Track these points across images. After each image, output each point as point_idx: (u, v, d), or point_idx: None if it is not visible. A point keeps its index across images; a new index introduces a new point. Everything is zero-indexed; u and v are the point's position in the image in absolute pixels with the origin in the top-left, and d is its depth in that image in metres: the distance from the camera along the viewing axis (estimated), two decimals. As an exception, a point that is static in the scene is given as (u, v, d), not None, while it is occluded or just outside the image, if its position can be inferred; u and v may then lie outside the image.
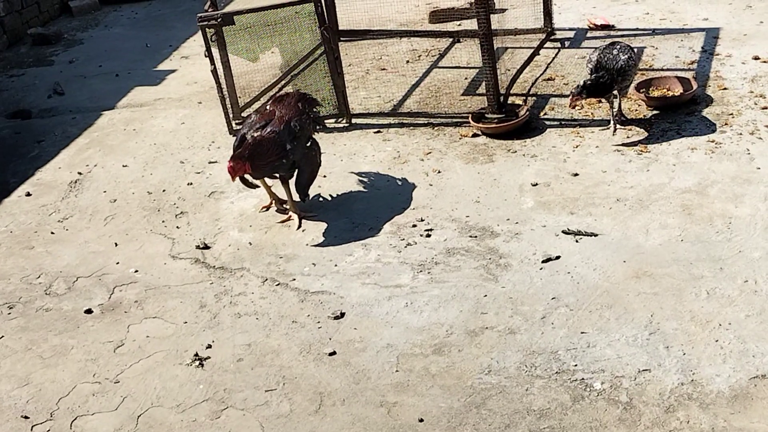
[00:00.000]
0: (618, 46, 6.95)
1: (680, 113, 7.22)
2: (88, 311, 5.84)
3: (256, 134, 6.27)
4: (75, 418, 4.98)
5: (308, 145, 6.50)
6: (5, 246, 6.69)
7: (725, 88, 7.51)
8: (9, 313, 5.92)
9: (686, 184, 6.33)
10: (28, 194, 7.35)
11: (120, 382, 5.20)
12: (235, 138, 6.53)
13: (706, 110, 7.22)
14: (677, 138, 6.89)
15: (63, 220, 6.93)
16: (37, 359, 5.48)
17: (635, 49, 7.11)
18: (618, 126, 7.02)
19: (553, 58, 8.48)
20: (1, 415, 5.07)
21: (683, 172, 6.47)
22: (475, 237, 6.05)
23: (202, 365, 5.25)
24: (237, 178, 6.33)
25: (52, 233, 6.78)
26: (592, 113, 7.42)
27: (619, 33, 8.82)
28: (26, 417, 5.03)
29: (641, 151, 6.74)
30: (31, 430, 4.94)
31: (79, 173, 7.58)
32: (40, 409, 5.07)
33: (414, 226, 6.26)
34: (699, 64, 8.00)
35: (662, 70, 7.94)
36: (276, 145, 6.19)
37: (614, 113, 7.02)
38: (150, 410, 4.97)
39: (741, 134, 6.83)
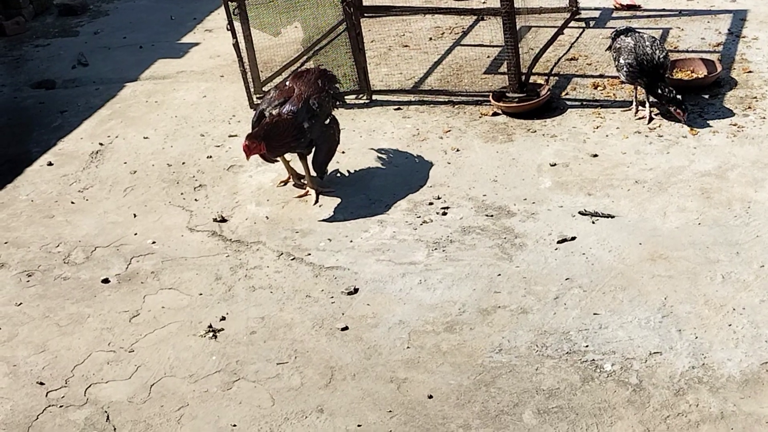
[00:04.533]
0: (647, 42, 6.81)
1: (703, 96, 7.15)
2: (105, 281, 5.90)
3: (274, 112, 6.28)
4: (89, 386, 5.05)
5: (327, 122, 6.50)
6: (26, 214, 6.77)
7: (750, 71, 7.43)
8: (28, 281, 6.00)
9: (706, 167, 6.29)
10: (50, 164, 7.42)
11: (134, 351, 5.27)
12: (254, 113, 6.56)
13: (729, 93, 7.15)
14: (699, 120, 6.82)
15: (83, 190, 6.99)
16: (54, 327, 5.55)
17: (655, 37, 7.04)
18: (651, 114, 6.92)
19: (577, 38, 8.41)
20: (17, 380, 5.16)
21: (704, 155, 6.42)
22: (492, 216, 6.05)
23: (216, 337, 5.30)
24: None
25: (72, 203, 6.84)
26: (614, 94, 7.36)
27: (646, 13, 8.73)
28: (42, 383, 5.11)
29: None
30: (46, 396, 5.02)
31: (101, 144, 7.63)
32: (55, 376, 5.15)
33: (430, 203, 6.27)
34: (725, 46, 7.91)
35: (687, 51, 7.86)
36: (293, 127, 6.19)
37: (649, 99, 6.91)
38: (163, 380, 5.03)
39: (764, 118, 6.76)
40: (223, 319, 5.43)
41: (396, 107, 7.60)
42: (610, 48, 7.23)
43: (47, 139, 7.82)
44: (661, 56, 6.75)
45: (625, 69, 6.84)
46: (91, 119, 8.09)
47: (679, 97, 6.71)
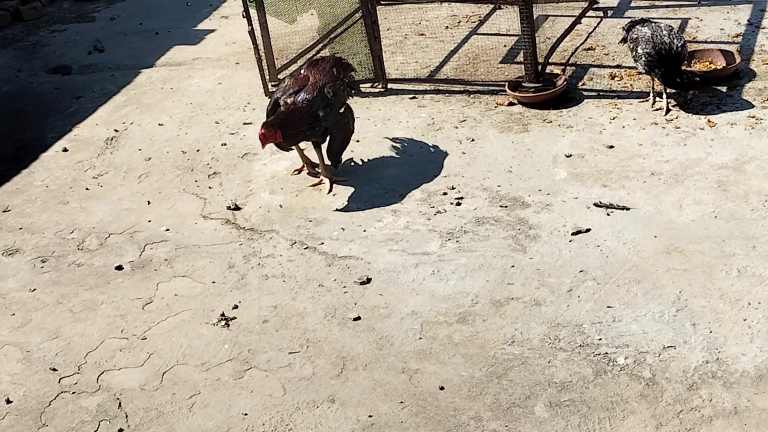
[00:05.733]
0: (665, 31, 6.76)
1: (721, 87, 7.08)
2: (119, 268, 5.91)
3: (289, 100, 6.26)
4: (102, 372, 5.07)
5: (342, 111, 6.48)
6: (41, 200, 6.79)
7: (769, 63, 7.36)
8: (42, 267, 6.02)
9: (723, 159, 6.23)
10: (65, 150, 7.43)
11: (147, 338, 5.28)
12: (269, 101, 6.55)
13: (748, 85, 7.08)
14: (717, 112, 6.76)
15: (98, 177, 7.01)
16: (67, 313, 5.57)
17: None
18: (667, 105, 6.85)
19: (595, 28, 8.35)
20: (30, 366, 5.18)
21: (721, 148, 6.36)
22: (506, 207, 6.02)
23: (228, 325, 5.30)
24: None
25: (87, 189, 6.86)
26: (631, 85, 7.31)
27: (664, 3, 8.65)
28: (55, 369, 5.13)
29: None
30: (59, 382, 5.04)
31: (116, 130, 7.64)
32: (68, 362, 5.17)
33: (444, 194, 6.24)
34: (744, 37, 7.83)
35: (706, 42, 7.79)
36: (308, 115, 6.18)
37: (667, 90, 6.85)
38: (175, 367, 5.04)
39: (783, 110, 6.70)
40: (236, 307, 5.43)
41: (411, 96, 7.56)
42: (624, 41, 7.16)
43: (62, 125, 7.84)
44: (679, 45, 6.69)
45: (643, 59, 6.77)
46: (106, 105, 8.10)
47: (697, 79, 6.75)
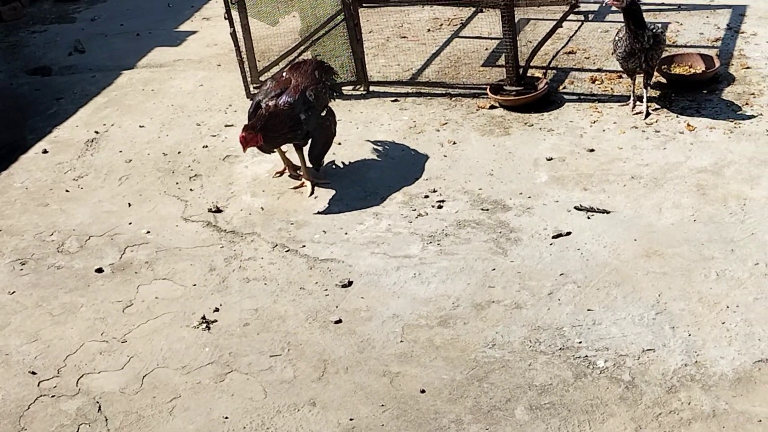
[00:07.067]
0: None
1: (701, 91, 7.13)
2: (99, 270, 5.89)
3: (270, 103, 6.25)
4: (81, 376, 5.05)
5: (324, 114, 6.48)
6: (20, 202, 6.75)
7: (748, 67, 7.41)
8: (21, 269, 5.99)
9: (702, 163, 6.27)
10: (45, 151, 7.39)
11: (127, 341, 5.26)
12: (250, 103, 6.54)
13: (727, 89, 7.13)
14: (696, 116, 6.81)
15: (78, 179, 6.97)
16: (46, 316, 5.54)
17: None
18: (647, 109, 6.88)
19: (576, 31, 8.39)
20: (9, 369, 5.15)
21: (700, 152, 6.41)
22: (487, 210, 6.04)
23: (209, 328, 5.29)
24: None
25: (67, 191, 6.82)
26: (611, 89, 7.34)
27: (644, 8, 8.65)
28: (34, 372, 5.10)
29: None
30: (38, 385, 5.01)
31: (96, 132, 7.60)
32: (47, 366, 5.14)
33: (426, 196, 6.25)
34: (723, 41, 7.88)
35: (685, 46, 7.84)
36: (289, 118, 6.18)
37: (647, 94, 6.89)
38: (155, 371, 5.03)
39: (762, 114, 6.75)
40: (217, 310, 5.42)
41: (393, 99, 7.57)
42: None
43: (42, 127, 7.79)
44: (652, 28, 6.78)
45: (619, 44, 6.76)
46: (86, 107, 8.06)
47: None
